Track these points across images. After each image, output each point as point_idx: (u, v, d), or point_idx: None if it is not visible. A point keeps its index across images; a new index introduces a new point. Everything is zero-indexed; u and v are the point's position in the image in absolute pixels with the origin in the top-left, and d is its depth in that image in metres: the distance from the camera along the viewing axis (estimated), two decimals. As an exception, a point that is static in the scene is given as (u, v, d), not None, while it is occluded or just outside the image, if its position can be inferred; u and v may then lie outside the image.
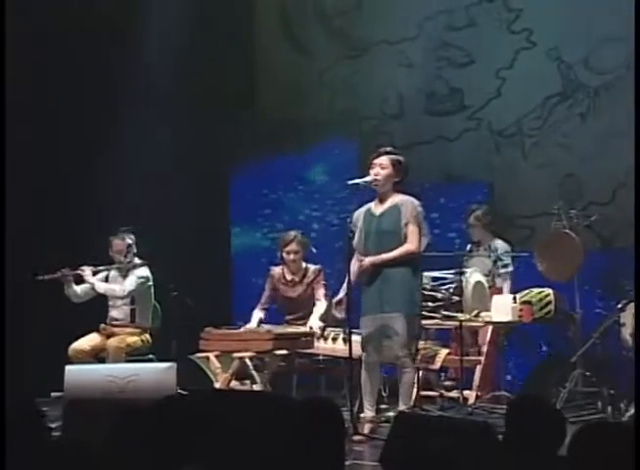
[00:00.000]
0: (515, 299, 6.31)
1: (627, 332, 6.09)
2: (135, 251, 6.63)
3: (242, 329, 6.10)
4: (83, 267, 6.53)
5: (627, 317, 6.12)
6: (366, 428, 5.32)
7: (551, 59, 7.64)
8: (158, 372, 5.01)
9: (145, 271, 6.63)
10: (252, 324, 6.24)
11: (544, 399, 2.90)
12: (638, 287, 4.52)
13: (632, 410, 5.65)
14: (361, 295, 5.50)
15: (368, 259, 5.36)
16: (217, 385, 5.81)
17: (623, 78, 7.40)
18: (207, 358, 6.01)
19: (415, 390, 6.02)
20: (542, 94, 7.69)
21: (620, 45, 7.37)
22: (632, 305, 6.11)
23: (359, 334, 5.59)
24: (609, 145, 7.41)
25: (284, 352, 5.84)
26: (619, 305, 6.12)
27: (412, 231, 5.39)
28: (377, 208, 5.52)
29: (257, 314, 6.35)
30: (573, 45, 7.57)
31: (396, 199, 5.48)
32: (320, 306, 6.27)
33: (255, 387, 5.67)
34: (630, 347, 6.03)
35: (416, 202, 5.48)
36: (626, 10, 7.31)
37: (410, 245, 5.37)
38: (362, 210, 5.55)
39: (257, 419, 3.31)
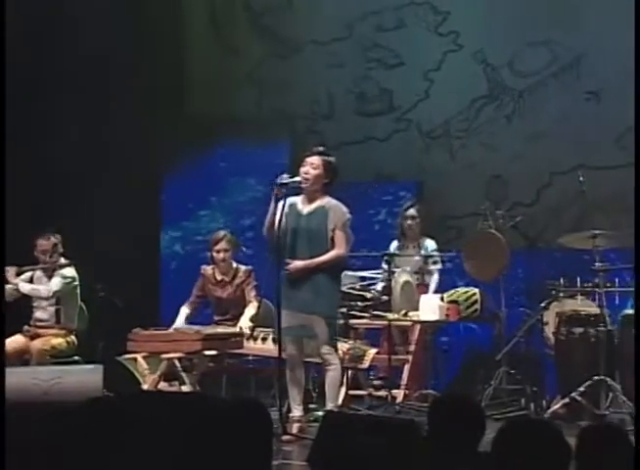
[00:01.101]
0: (442, 298, 6.39)
1: (550, 330, 6.24)
2: (61, 251, 6.52)
3: (170, 330, 6.06)
4: (7, 268, 6.40)
5: (550, 316, 6.26)
6: (295, 428, 5.32)
7: (477, 61, 7.77)
8: (83, 374, 4.94)
9: (71, 271, 6.53)
10: (178, 323, 6.20)
11: (463, 397, 2.94)
12: (638, 286, 4.59)
13: (554, 407, 5.78)
14: (282, 288, 5.46)
15: (295, 264, 5.34)
16: (145, 386, 5.75)
17: (547, 81, 7.57)
18: (135, 360, 5.95)
19: (344, 389, 6.05)
20: (469, 96, 7.81)
21: (544, 49, 7.53)
22: (555, 303, 6.26)
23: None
24: (533, 146, 7.57)
25: (213, 352, 5.81)
26: (543, 304, 6.25)
27: (339, 237, 5.41)
28: (304, 206, 5.50)
29: (183, 314, 6.30)
30: (499, 48, 7.71)
31: (325, 201, 5.48)
32: (251, 307, 6.25)
33: (184, 388, 5.63)
34: (552, 345, 6.17)
35: (345, 208, 5.49)
36: (550, 14, 7.48)
37: (338, 251, 5.40)
38: (287, 203, 5.43)
39: (185, 420, 3.29)
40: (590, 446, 2.53)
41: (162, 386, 5.71)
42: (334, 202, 5.48)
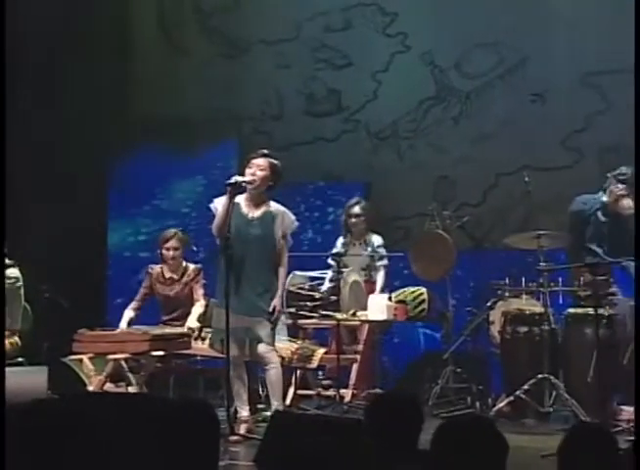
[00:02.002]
0: (390, 298, 6.43)
1: (496, 329, 6.31)
2: (5, 250, 6.41)
3: (117, 330, 6.00)
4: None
5: (496, 315, 6.34)
6: (242, 428, 5.31)
7: (425, 63, 7.83)
8: (27, 375, 4.87)
9: (14, 271, 6.41)
10: (123, 324, 6.15)
11: (401, 396, 2.97)
12: (638, 285, 4.64)
13: (500, 405, 5.85)
14: (225, 289, 5.44)
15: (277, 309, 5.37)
16: (91, 388, 5.69)
17: (493, 83, 7.66)
18: (81, 361, 5.88)
19: (292, 389, 6.06)
20: (417, 97, 7.87)
21: (491, 51, 7.62)
22: (501, 303, 6.33)
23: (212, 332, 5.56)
24: (480, 147, 7.65)
25: (160, 353, 5.77)
26: (489, 304, 6.33)
27: (284, 245, 5.44)
28: (249, 210, 5.48)
29: (128, 314, 6.25)
30: (446, 50, 7.78)
31: (272, 206, 5.48)
32: (198, 306, 6.23)
33: (131, 389, 5.59)
34: (498, 343, 6.25)
35: (292, 216, 5.52)
36: (497, 16, 7.57)
37: (284, 261, 5.44)
38: (223, 200, 5.43)
39: (131, 421, 3.26)
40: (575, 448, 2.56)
41: (109, 387, 5.66)
42: (281, 208, 5.49)
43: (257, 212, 5.46)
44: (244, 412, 5.40)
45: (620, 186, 6.07)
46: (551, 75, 7.43)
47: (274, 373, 5.41)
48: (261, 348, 5.37)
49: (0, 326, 5.47)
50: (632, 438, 4.91)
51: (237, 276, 5.35)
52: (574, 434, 2.59)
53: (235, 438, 5.14)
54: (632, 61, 7.21)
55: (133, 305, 6.33)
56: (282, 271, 5.46)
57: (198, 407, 2.87)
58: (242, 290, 5.35)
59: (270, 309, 5.34)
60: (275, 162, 5.48)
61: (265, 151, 5.55)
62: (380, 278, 6.81)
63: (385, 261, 6.88)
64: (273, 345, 5.41)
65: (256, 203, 5.46)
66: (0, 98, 6.75)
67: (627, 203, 6.08)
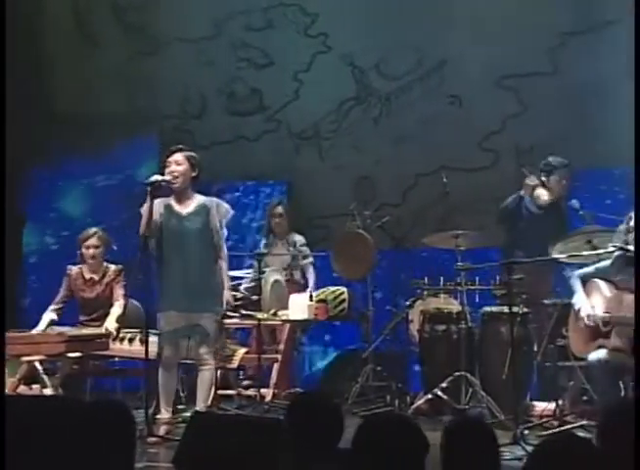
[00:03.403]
0: (311, 297, 6.46)
1: (415, 328, 6.39)
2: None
3: (32, 332, 5.88)
4: None
5: (415, 314, 6.42)
6: (162, 429, 5.27)
7: (345, 63, 7.88)
8: None
9: None
10: (42, 326, 6.03)
11: (320, 395, 3.00)
12: (638, 286, 4.73)
13: (418, 403, 5.94)
14: (161, 290, 5.43)
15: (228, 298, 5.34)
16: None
17: (412, 85, 7.76)
18: (-7, 363, 5.75)
19: (213, 389, 6.03)
20: (338, 98, 7.92)
21: (410, 53, 7.72)
22: (419, 302, 6.42)
23: (157, 334, 5.54)
24: (400, 148, 7.74)
25: (77, 354, 5.68)
26: (408, 303, 6.41)
27: (221, 236, 5.43)
28: (181, 207, 5.47)
29: (48, 316, 6.14)
30: (367, 51, 7.85)
31: (202, 199, 5.48)
32: (117, 307, 6.16)
33: (45, 391, 5.48)
34: (417, 342, 6.33)
35: (226, 204, 5.51)
36: (416, 18, 7.66)
37: (224, 251, 5.42)
38: (159, 203, 5.43)
39: (45, 424, 3.21)
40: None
41: (22, 390, 5.55)
42: (214, 199, 5.52)
43: (190, 207, 5.46)
44: (165, 413, 5.36)
45: (533, 177, 6.22)
46: (468, 78, 7.55)
47: (208, 375, 5.40)
48: (202, 349, 5.34)
49: (0, 325, 5.34)
50: (544, 433, 5.07)
51: (178, 274, 5.33)
52: (452, 428, 2.64)
53: (153, 439, 5.10)
54: (547, 64, 7.41)
55: (53, 306, 6.22)
56: (223, 264, 5.43)
57: (112, 408, 2.84)
58: (189, 287, 5.32)
59: (224, 304, 5.31)
60: (191, 154, 5.49)
61: (180, 146, 5.54)
62: (310, 277, 6.83)
63: (310, 259, 6.91)
64: (215, 344, 5.38)
65: (186, 198, 5.46)
66: (0, 98, 6.59)
67: (541, 192, 6.24)
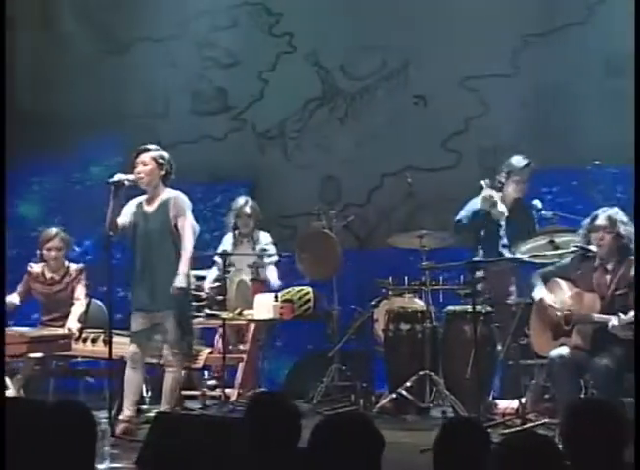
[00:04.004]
0: (276, 297, 6.46)
1: (380, 327, 6.42)
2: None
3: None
4: None
5: (380, 313, 6.45)
6: (124, 429, 5.24)
7: (310, 63, 7.89)
8: None
9: None
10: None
11: (278, 395, 3.00)
12: (638, 288, 4.75)
13: (382, 402, 5.96)
14: (132, 290, 5.43)
15: (178, 285, 5.28)
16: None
17: (378, 85, 7.79)
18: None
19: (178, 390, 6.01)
20: (303, 97, 7.93)
21: (375, 53, 7.74)
22: (384, 301, 6.44)
23: (120, 334, 5.51)
24: (365, 148, 7.76)
25: (39, 355, 5.63)
26: (373, 302, 6.43)
27: (183, 226, 5.40)
28: (148, 206, 5.48)
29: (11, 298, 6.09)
30: (332, 51, 7.86)
31: (165, 194, 5.47)
32: (79, 306, 6.13)
33: (7, 393, 5.42)
34: (382, 341, 6.36)
35: (185, 197, 5.51)
36: (381, 18, 7.69)
37: (187, 243, 5.38)
38: (133, 202, 5.47)
39: (6, 426, 3.18)
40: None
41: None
42: (174, 192, 5.49)
43: (153, 206, 5.47)
44: (128, 413, 5.34)
45: (490, 190, 6.20)
46: (432, 78, 7.59)
47: (174, 377, 5.38)
48: (166, 350, 5.33)
49: (0, 325, 5.30)
50: (507, 431, 5.11)
51: (143, 274, 5.32)
52: (448, 428, 2.66)
53: (115, 440, 5.06)
54: (509, 65, 7.46)
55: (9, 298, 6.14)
56: (184, 253, 5.39)
57: (73, 409, 2.83)
58: (151, 286, 5.31)
59: (172, 290, 5.27)
60: (160, 153, 5.48)
61: (147, 146, 5.52)
62: (271, 274, 6.82)
63: (275, 258, 6.90)
64: (181, 344, 5.36)
65: (153, 197, 5.46)
66: (0, 98, 6.57)
67: (501, 208, 6.23)
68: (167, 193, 5.47)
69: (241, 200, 7.03)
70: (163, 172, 5.45)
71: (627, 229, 5.00)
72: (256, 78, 7.97)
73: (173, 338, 5.32)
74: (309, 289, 6.61)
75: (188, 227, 5.39)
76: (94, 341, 5.93)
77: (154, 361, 5.51)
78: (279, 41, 7.93)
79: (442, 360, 6.02)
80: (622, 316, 4.74)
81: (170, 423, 3.87)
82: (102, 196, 5.47)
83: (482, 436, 2.67)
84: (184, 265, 5.34)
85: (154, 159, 5.43)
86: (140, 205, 5.47)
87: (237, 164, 8.00)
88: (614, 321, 4.74)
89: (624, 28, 7.09)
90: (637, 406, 2.68)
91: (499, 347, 5.90)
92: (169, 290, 5.29)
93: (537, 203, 6.17)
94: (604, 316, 4.84)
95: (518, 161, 6.26)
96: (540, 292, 5.15)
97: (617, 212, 5.07)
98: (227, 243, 6.95)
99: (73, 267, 6.30)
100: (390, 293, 6.45)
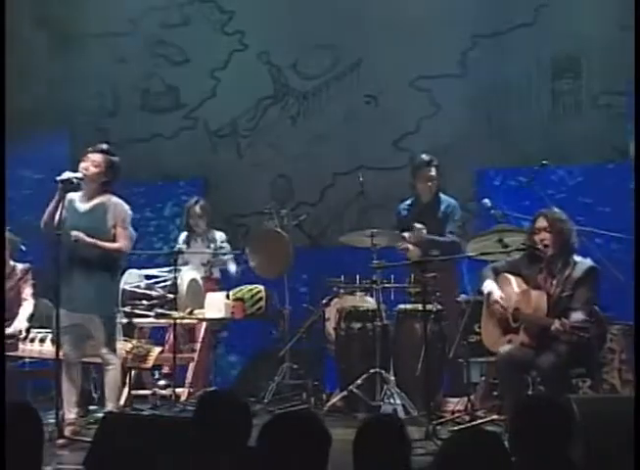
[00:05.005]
0: (228, 296, 6.43)
1: (331, 326, 6.43)
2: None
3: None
4: None
5: (331, 312, 6.46)
6: (70, 430, 5.17)
7: (262, 62, 7.88)
8: None
9: None
10: None
11: (228, 393, 2.99)
12: (638, 289, 4.72)
13: (333, 400, 5.97)
14: (60, 286, 5.32)
15: (80, 237, 5.19)
16: None
17: (329, 84, 7.80)
18: None
19: (126, 389, 5.95)
20: (255, 96, 7.91)
21: (327, 52, 7.75)
22: (336, 300, 6.45)
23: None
24: (317, 147, 7.78)
25: (-15, 356, 5.53)
26: (324, 301, 6.43)
27: (120, 234, 5.33)
28: (82, 203, 5.39)
29: None
30: (283, 50, 7.86)
31: (105, 198, 5.38)
32: (27, 307, 6.04)
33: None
34: (333, 340, 6.37)
35: (126, 205, 5.42)
36: (332, 17, 7.71)
37: (121, 244, 5.32)
38: (67, 197, 5.34)
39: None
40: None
41: None
42: (114, 199, 5.40)
43: (89, 205, 5.38)
44: (72, 414, 5.27)
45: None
46: (383, 78, 7.63)
47: (112, 375, 5.32)
48: (102, 349, 5.27)
49: (0, 325, 5.11)
50: (455, 428, 5.16)
51: (70, 272, 5.23)
52: (366, 426, 2.68)
53: (62, 441, 5.00)
54: (458, 65, 7.52)
55: None
56: (111, 244, 5.30)
57: (18, 410, 2.78)
58: (74, 286, 5.23)
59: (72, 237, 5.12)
60: (112, 158, 5.40)
61: (104, 146, 5.46)
62: (231, 268, 6.80)
63: (230, 255, 6.88)
64: (112, 344, 5.31)
65: (90, 196, 5.38)
66: (0, 98, 6.27)
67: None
68: (107, 197, 5.38)
69: (192, 200, 7.01)
70: (107, 178, 5.38)
71: (567, 227, 5.05)
72: (208, 76, 7.94)
73: (101, 340, 5.26)
74: (261, 288, 6.59)
75: (123, 237, 5.33)
76: (42, 341, 5.85)
77: (98, 361, 5.44)
78: (231, 39, 7.91)
79: (393, 358, 6.04)
80: (564, 320, 4.78)
81: (118, 423, 3.83)
82: (49, 193, 5.39)
83: (399, 432, 2.68)
84: (101, 242, 5.26)
85: (105, 161, 5.36)
86: (72, 202, 5.35)
87: (189, 162, 7.96)
88: (556, 324, 4.79)
89: (571, 30, 7.22)
90: (637, 406, 2.72)
91: (449, 344, 5.94)
92: (96, 293, 5.22)
93: (487, 202, 6.22)
94: (548, 319, 4.89)
95: (427, 156, 6.39)
96: (489, 286, 5.18)
97: (554, 212, 5.12)
98: (181, 241, 6.91)
99: (20, 267, 6.20)
100: (342, 291, 6.47)
